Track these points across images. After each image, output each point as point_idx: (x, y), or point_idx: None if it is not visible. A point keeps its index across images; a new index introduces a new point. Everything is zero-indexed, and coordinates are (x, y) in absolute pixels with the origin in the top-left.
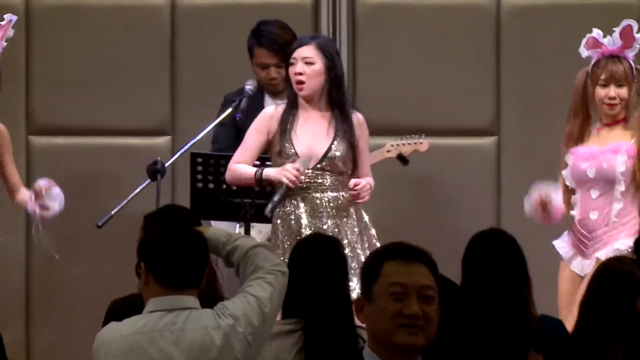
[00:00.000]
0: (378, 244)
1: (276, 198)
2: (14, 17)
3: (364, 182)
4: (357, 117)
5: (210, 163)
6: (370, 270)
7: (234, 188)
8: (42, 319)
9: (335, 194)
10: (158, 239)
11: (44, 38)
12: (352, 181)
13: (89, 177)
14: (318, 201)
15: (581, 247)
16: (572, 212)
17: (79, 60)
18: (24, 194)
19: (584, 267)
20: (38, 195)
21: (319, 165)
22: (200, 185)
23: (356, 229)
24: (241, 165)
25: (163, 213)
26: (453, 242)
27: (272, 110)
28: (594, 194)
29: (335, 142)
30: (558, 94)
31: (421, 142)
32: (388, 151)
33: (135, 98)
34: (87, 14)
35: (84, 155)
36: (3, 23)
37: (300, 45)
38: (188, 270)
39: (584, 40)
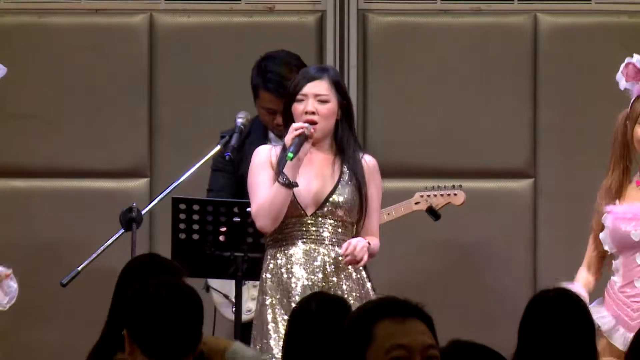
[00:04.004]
0: None
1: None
2: None
3: (354, 242)
4: (366, 162)
5: (195, 210)
6: (359, 333)
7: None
8: None
9: (336, 249)
10: (142, 299)
11: None
12: (343, 246)
13: (52, 226)
14: (315, 254)
15: (625, 318)
16: (613, 278)
17: (41, 90)
18: None
19: (627, 341)
20: None
21: (319, 212)
22: (183, 236)
23: (354, 293)
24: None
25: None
26: (482, 300)
27: (268, 148)
28: None
29: (339, 186)
30: (604, 130)
31: (455, 194)
32: (417, 203)
33: (108, 134)
34: (50, 34)
35: (47, 201)
36: None
37: (310, 79)
38: (179, 335)
39: (622, 67)
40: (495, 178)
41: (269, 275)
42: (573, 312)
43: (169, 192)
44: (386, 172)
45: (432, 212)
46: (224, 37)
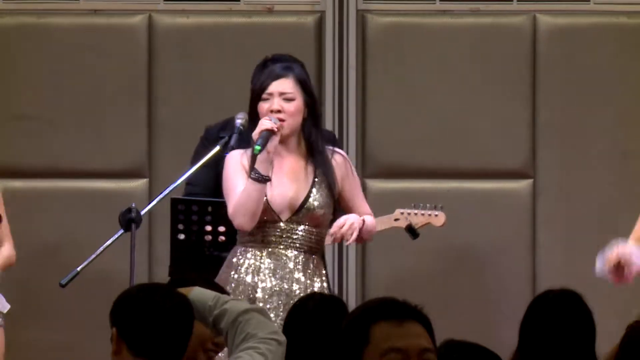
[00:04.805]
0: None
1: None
2: None
3: (343, 219)
4: (336, 161)
5: (194, 210)
6: (356, 334)
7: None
8: None
9: (305, 256)
10: (135, 300)
11: None
12: (335, 224)
13: (51, 226)
14: (285, 260)
15: None
16: None
17: (40, 90)
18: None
19: None
20: None
21: (294, 217)
22: (181, 236)
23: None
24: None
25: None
26: (481, 301)
27: (239, 153)
28: None
29: (313, 190)
30: (604, 130)
31: (436, 215)
32: (396, 219)
33: (107, 134)
34: (49, 35)
35: (45, 202)
36: None
37: (276, 78)
38: (169, 340)
39: None
40: (494, 178)
41: (233, 272)
42: (574, 313)
43: (168, 193)
44: (385, 173)
45: (411, 230)
46: (223, 38)
